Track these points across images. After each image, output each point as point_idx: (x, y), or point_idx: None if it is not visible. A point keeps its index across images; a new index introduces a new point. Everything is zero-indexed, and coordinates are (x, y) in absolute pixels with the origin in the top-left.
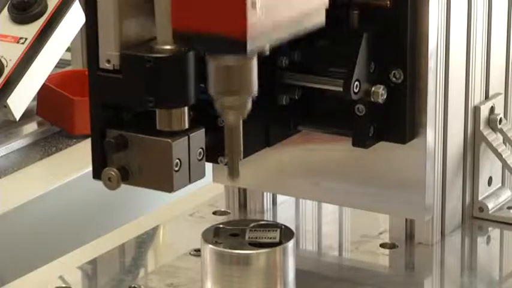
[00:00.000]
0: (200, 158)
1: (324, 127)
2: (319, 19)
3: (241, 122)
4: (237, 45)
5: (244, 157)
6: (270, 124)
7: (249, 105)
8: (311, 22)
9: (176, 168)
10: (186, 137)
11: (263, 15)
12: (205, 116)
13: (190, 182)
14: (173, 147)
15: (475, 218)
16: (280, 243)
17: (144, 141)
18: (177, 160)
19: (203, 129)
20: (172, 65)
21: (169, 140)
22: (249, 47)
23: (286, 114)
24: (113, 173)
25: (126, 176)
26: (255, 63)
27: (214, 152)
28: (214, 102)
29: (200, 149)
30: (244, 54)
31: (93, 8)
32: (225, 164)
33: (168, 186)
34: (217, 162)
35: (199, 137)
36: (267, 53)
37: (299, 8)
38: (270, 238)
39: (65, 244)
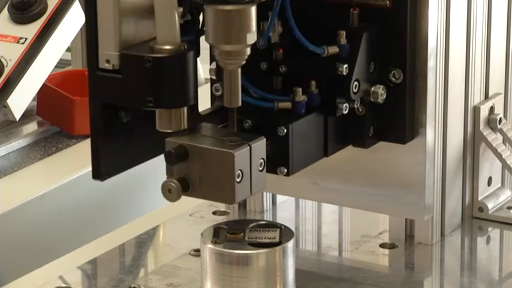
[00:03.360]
0: (261, 168)
1: None
2: None
3: (239, 68)
4: None
5: None
6: None
7: (248, 52)
8: None
9: (238, 180)
10: (248, 147)
11: None
12: (264, 124)
13: (251, 193)
14: (235, 158)
15: (475, 218)
16: (280, 243)
17: (205, 152)
18: (239, 171)
19: (264, 139)
20: (172, 65)
21: (231, 151)
22: None
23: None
24: (173, 184)
25: (187, 188)
26: (253, 11)
27: (273, 162)
28: (213, 49)
29: (261, 160)
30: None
31: (93, 8)
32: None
33: (229, 198)
34: (277, 173)
35: (260, 147)
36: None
37: None
38: (270, 238)
39: (65, 244)
